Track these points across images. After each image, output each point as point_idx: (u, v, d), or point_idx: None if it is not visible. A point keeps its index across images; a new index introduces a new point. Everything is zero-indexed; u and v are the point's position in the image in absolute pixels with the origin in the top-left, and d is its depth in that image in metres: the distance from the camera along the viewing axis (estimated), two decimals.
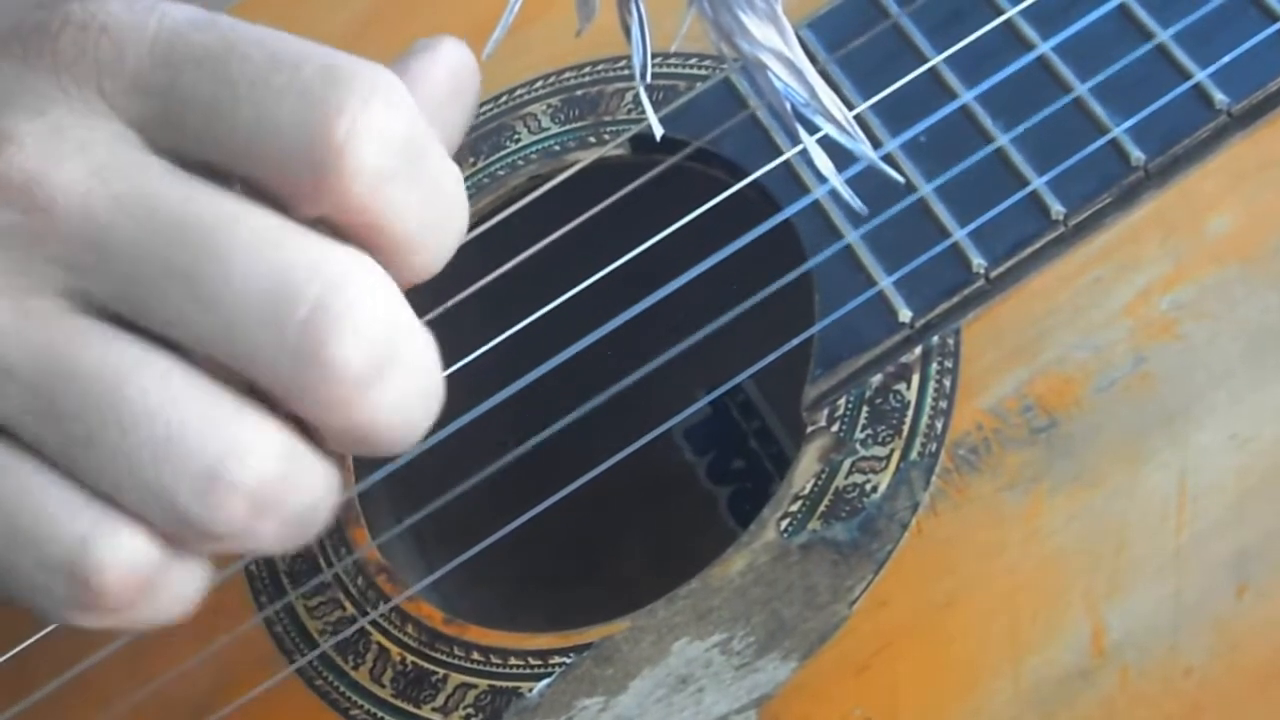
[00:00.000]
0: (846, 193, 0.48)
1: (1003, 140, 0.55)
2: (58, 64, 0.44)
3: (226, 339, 0.42)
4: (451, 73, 0.48)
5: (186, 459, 0.42)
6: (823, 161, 0.47)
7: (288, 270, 0.42)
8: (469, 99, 0.49)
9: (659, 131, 0.48)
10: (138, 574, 0.43)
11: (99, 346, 0.42)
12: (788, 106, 0.46)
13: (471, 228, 0.46)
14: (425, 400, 0.45)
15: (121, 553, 0.43)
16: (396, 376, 0.43)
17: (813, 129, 0.47)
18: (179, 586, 0.44)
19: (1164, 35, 0.55)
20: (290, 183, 0.43)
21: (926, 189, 0.55)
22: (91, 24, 0.44)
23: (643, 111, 0.60)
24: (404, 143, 0.43)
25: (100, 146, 0.43)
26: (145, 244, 0.42)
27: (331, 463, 0.45)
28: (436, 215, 0.44)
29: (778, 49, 0.46)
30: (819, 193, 0.52)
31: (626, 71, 0.62)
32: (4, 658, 0.55)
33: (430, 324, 0.45)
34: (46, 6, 0.45)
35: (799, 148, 0.47)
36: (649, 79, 0.47)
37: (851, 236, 0.55)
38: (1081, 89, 0.55)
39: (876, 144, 0.56)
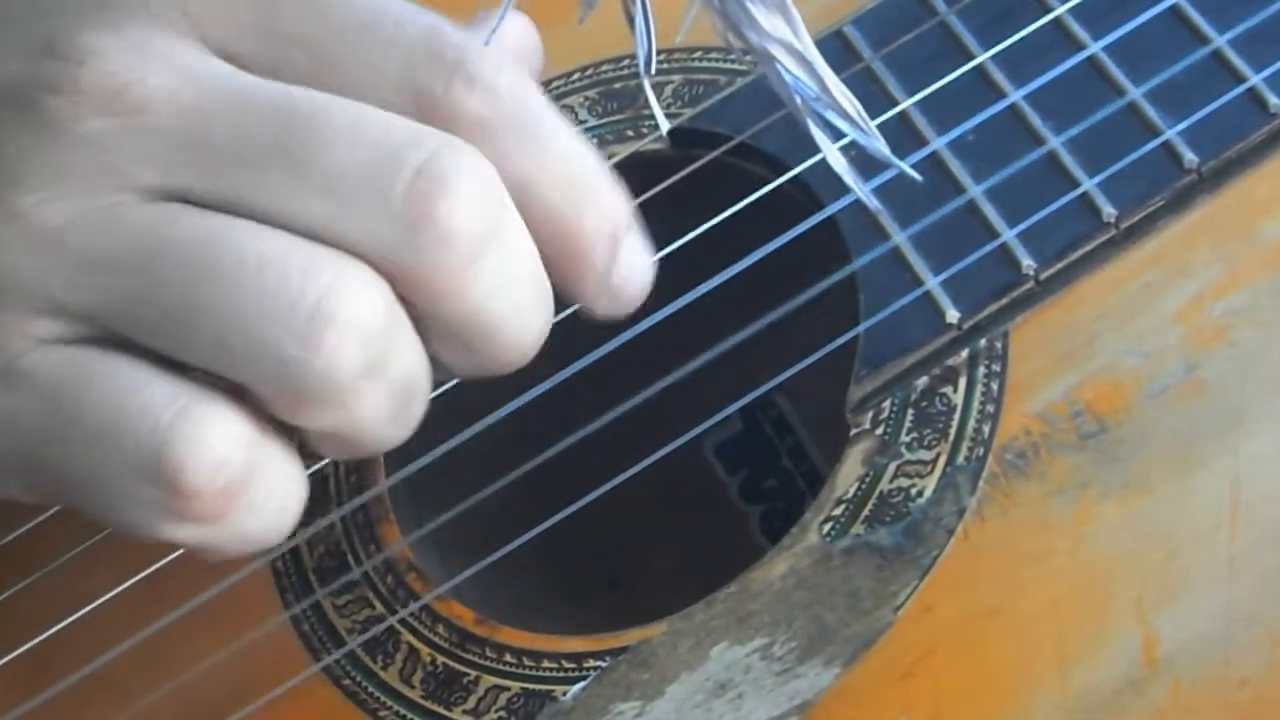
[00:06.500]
0: (864, 193, 0.47)
1: (1053, 141, 0.54)
2: None
3: (332, 214, 0.42)
4: (512, 43, 0.49)
5: (292, 303, 0.42)
6: (834, 157, 0.46)
7: (389, 138, 0.42)
8: (530, 68, 0.50)
9: (665, 126, 0.47)
10: (228, 467, 0.42)
11: (191, 219, 0.43)
12: (798, 101, 0.46)
13: None
14: (534, 292, 0.45)
15: (209, 442, 0.42)
16: (504, 250, 0.43)
17: (826, 123, 0.46)
18: (274, 484, 0.44)
19: (1220, 40, 0.54)
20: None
21: (975, 190, 0.54)
22: None
23: (682, 105, 0.60)
24: (506, 91, 0.44)
25: (183, 54, 0.44)
26: (241, 130, 0.43)
27: (425, 355, 0.45)
28: (539, 156, 0.45)
29: (787, 40, 0.45)
30: (854, 179, 0.52)
31: (665, 65, 0.61)
32: (22, 649, 0.54)
33: None
34: None
35: (844, 141, 0.46)
36: (653, 72, 0.47)
37: (898, 236, 0.54)
38: (1135, 92, 0.54)
39: (923, 142, 0.56)
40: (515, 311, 0.44)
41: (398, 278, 0.43)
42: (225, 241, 0.42)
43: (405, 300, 0.43)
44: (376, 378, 0.43)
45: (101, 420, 0.42)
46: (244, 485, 0.43)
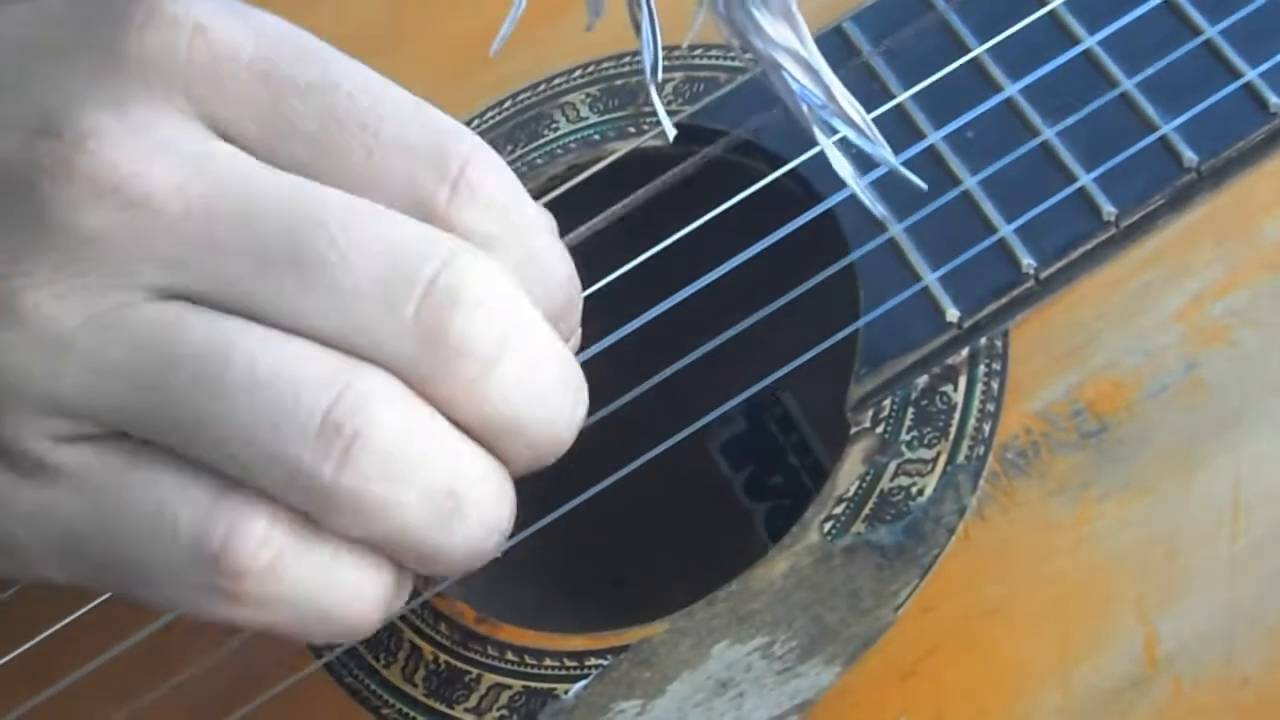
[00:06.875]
0: (867, 198, 0.47)
1: (1048, 134, 0.54)
2: (143, 59, 0.42)
3: (344, 324, 0.41)
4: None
5: (302, 417, 0.40)
6: (840, 164, 0.46)
7: (401, 247, 0.41)
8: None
9: (671, 133, 0.47)
10: (269, 548, 0.41)
11: (199, 327, 0.41)
12: (804, 107, 0.45)
13: None
14: (558, 382, 0.44)
15: (247, 524, 0.41)
16: (521, 352, 0.42)
17: (832, 130, 0.46)
18: (325, 576, 0.42)
19: (1211, 31, 0.55)
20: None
21: (971, 181, 0.54)
22: (184, 21, 0.42)
23: (684, 103, 0.60)
24: (504, 203, 0.43)
25: (186, 141, 0.42)
26: (249, 230, 0.41)
27: (478, 456, 0.43)
28: (535, 269, 0.44)
29: (793, 47, 0.45)
30: (861, 185, 0.52)
31: (667, 63, 0.61)
32: (22, 649, 0.54)
33: None
34: None
35: (838, 136, 0.46)
36: (660, 77, 0.46)
37: (896, 230, 0.54)
38: (1128, 84, 0.55)
39: (921, 137, 0.56)
40: (541, 405, 0.43)
41: (415, 384, 0.42)
42: (233, 351, 0.41)
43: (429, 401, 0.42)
44: (404, 485, 0.41)
45: (139, 514, 0.42)
46: (289, 566, 0.42)
